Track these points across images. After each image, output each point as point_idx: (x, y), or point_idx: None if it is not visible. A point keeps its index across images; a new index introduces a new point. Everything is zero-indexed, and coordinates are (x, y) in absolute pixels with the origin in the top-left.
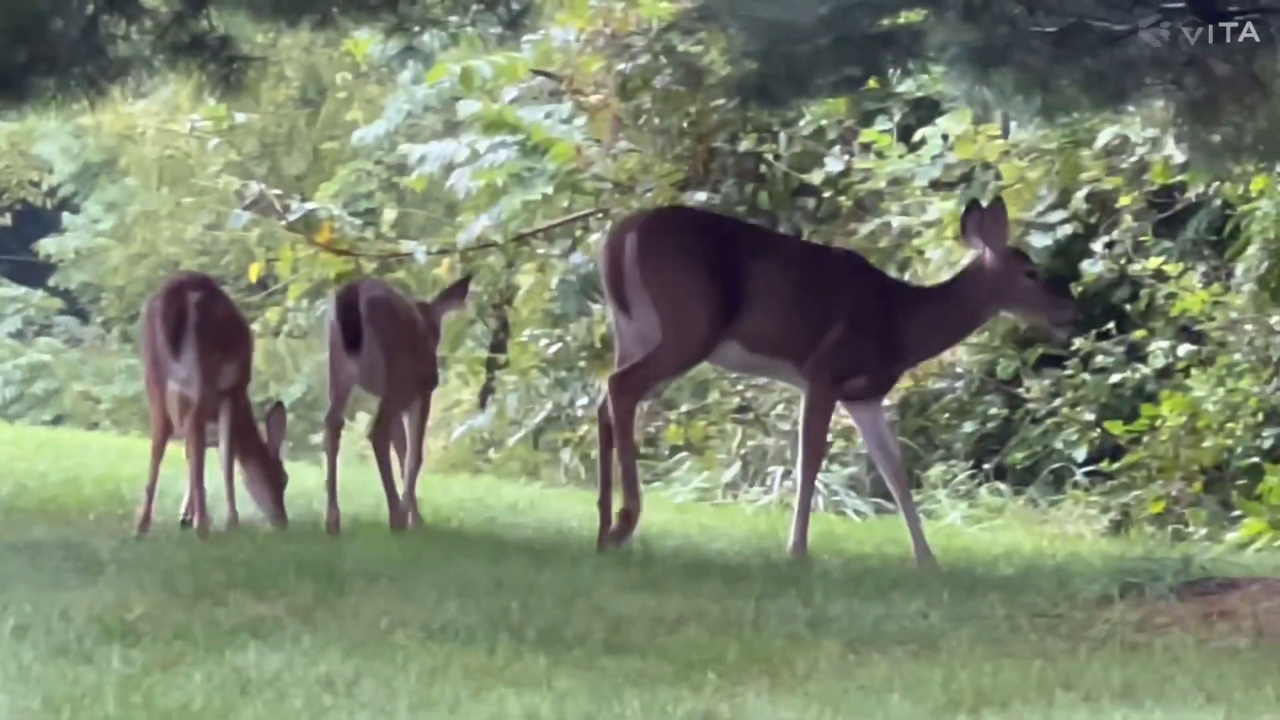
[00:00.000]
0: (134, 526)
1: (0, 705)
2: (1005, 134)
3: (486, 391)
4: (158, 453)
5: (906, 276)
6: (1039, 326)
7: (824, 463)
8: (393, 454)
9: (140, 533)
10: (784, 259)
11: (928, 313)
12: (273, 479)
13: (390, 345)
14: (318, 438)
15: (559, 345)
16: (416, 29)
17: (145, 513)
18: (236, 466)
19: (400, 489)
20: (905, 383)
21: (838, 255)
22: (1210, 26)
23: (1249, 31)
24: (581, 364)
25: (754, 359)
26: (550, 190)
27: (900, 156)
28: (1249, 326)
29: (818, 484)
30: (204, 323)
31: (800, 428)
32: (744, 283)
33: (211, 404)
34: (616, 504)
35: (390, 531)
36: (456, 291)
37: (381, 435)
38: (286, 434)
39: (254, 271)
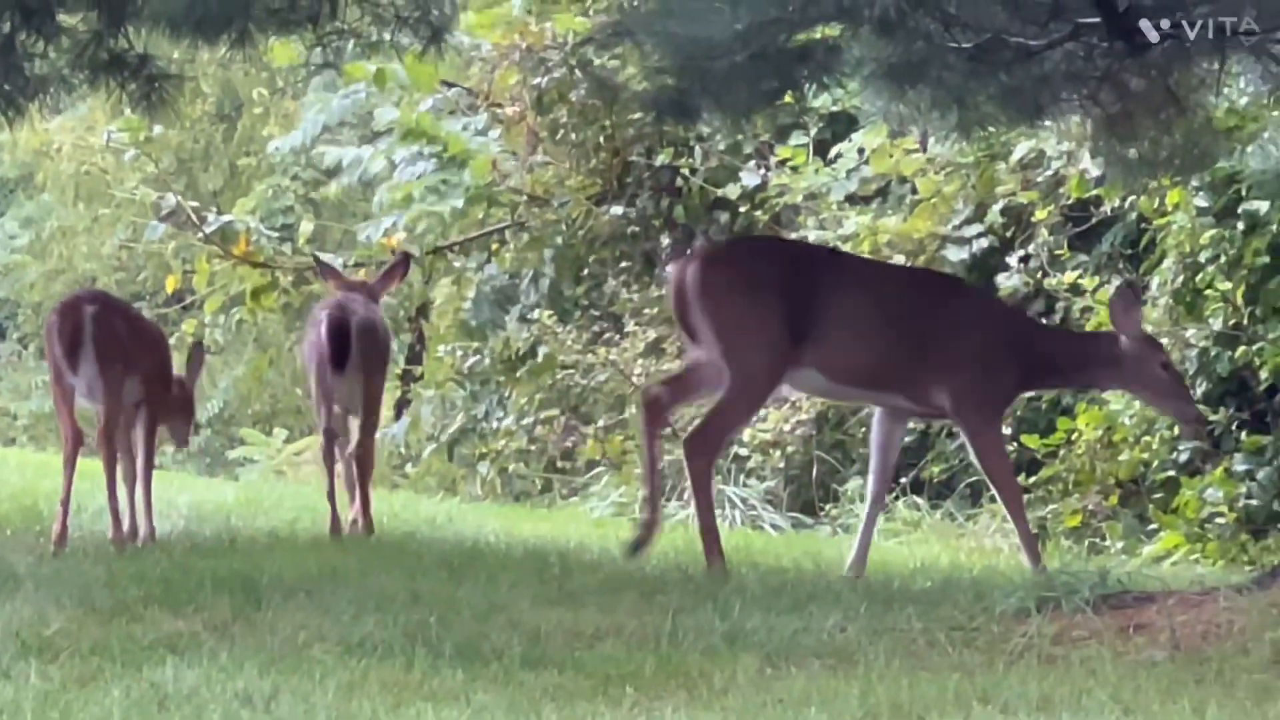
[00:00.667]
0: (50, 542)
1: None
2: (924, 149)
3: (402, 404)
4: (69, 465)
5: None
6: (1165, 415)
7: (743, 477)
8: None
9: (57, 548)
10: (872, 287)
11: (1053, 352)
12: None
13: (371, 368)
14: (234, 452)
15: (475, 358)
16: (336, 44)
17: (60, 529)
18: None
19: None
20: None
21: (945, 283)
22: (1125, 41)
23: (1164, 42)
24: (499, 377)
25: (840, 389)
26: (463, 203)
27: (816, 171)
28: (1164, 339)
29: (734, 498)
30: (101, 336)
31: (984, 473)
32: (820, 312)
33: (116, 417)
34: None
35: (306, 545)
36: (397, 270)
37: (368, 453)
38: (202, 373)
39: (170, 284)
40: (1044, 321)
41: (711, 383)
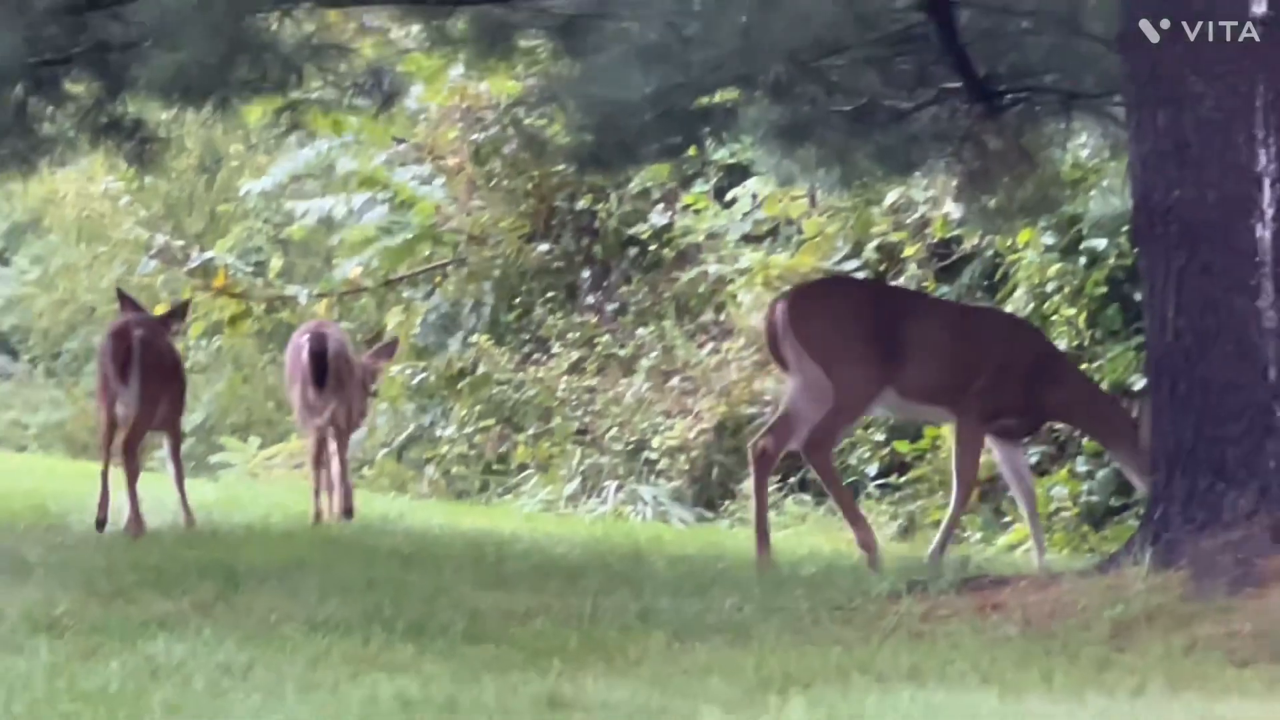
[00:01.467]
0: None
1: None
2: (812, 203)
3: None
4: (104, 450)
5: (722, 317)
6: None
7: (653, 478)
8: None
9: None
10: (936, 319)
11: (1070, 391)
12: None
13: (345, 385)
14: (215, 457)
15: (422, 375)
16: (300, 107)
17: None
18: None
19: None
20: (720, 409)
21: (992, 316)
22: (984, 104)
23: (1017, 105)
24: (443, 392)
25: (909, 405)
26: (412, 238)
27: (715, 214)
28: None
29: (646, 496)
30: (146, 356)
31: (955, 463)
32: (897, 339)
33: (145, 427)
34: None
35: (277, 537)
36: (386, 350)
37: (343, 449)
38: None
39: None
40: (1081, 369)
41: (803, 413)
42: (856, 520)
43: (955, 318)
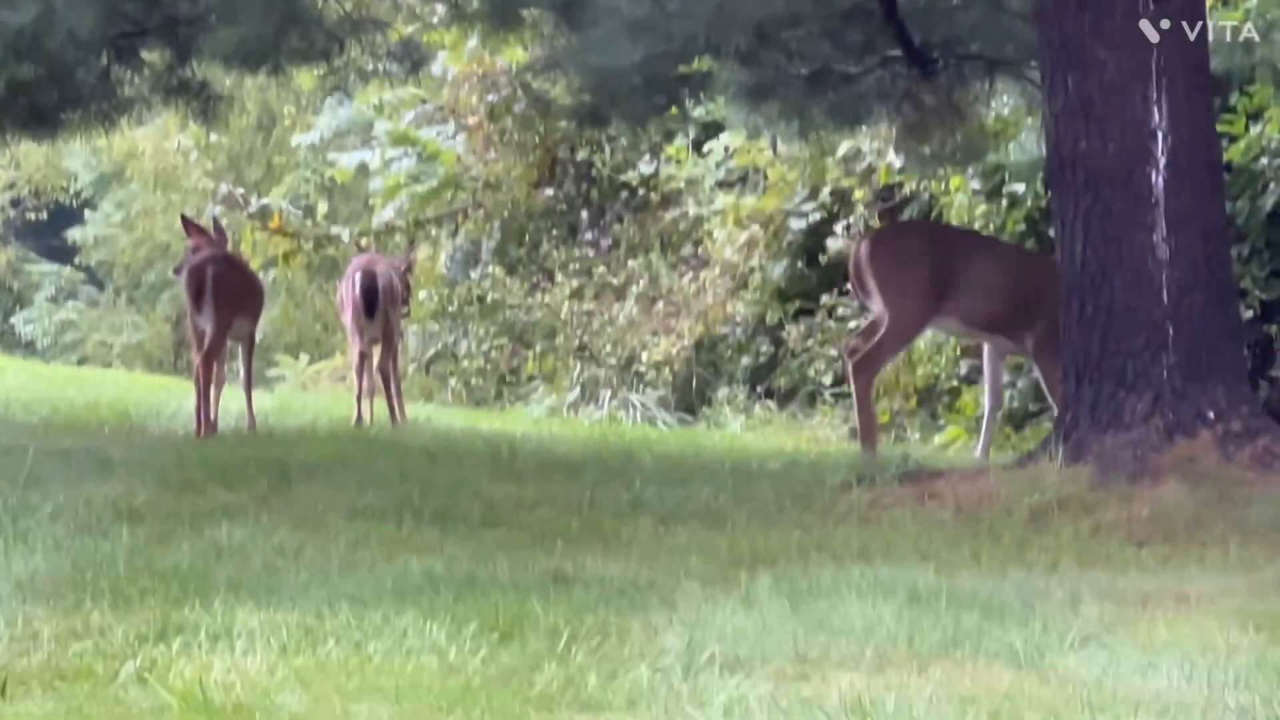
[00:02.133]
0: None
1: (42, 569)
2: (774, 151)
3: None
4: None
5: (700, 251)
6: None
7: (642, 387)
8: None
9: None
10: (995, 261)
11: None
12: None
13: (393, 312)
14: (271, 372)
15: (446, 301)
16: (343, 71)
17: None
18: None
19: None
20: (698, 328)
21: (1046, 262)
22: (920, 69)
23: (948, 68)
24: (464, 315)
25: (972, 331)
26: (437, 185)
27: (694, 163)
28: None
29: (636, 403)
30: (219, 287)
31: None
32: (956, 277)
33: (220, 345)
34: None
35: (323, 438)
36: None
37: (392, 369)
38: None
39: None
40: None
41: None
42: (868, 433)
43: (1012, 261)
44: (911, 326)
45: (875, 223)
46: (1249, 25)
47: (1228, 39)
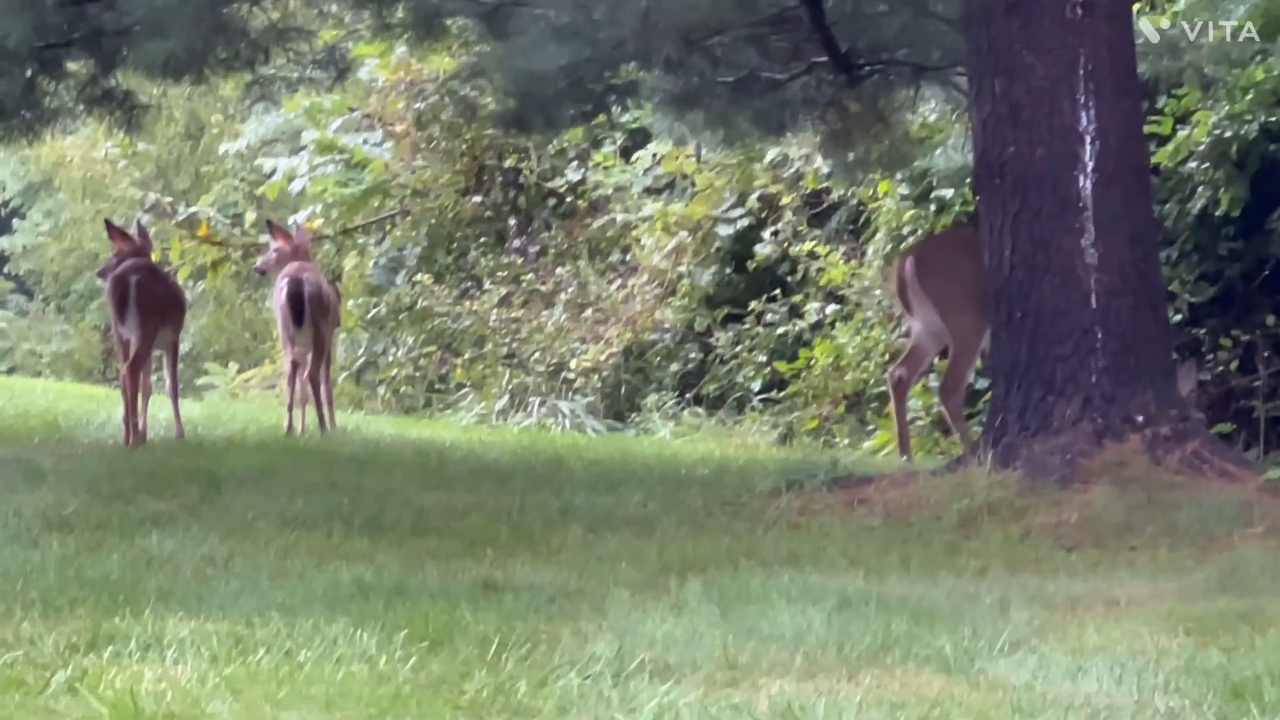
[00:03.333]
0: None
1: None
2: (698, 158)
3: None
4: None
5: (628, 258)
6: None
7: (571, 394)
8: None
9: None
10: None
11: None
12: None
13: (323, 321)
14: (200, 380)
15: (375, 309)
16: (268, 81)
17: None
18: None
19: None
20: (627, 335)
21: None
22: (846, 75)
23: (873, 75)
24: (391, 323)
25: None
26: (364, 193)
27: (621, 170)
28: (877, 291)
29: (564, 410)
30: (142, 298)
31: None
32: None
33: (146, 354)
34: None
35: (252, 447)
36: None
37: (322, 377)
38: None
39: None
40: None
41: (928, 349)
42: (965, 438)
43: None
44: (976, 338)
45: (802, 228)
46: (1177, 28)
47: (1155, 42)
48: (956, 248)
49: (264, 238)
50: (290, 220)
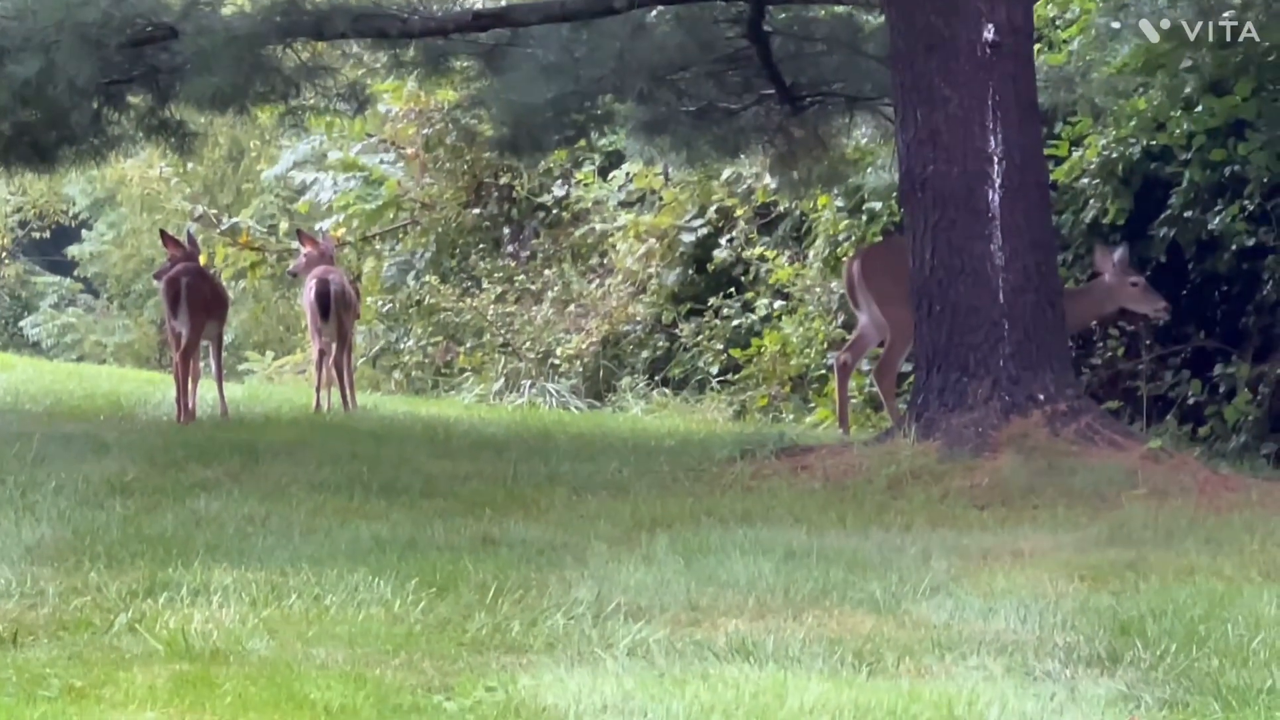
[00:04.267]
0: (126, 419)
1: (47, 536)
2: (666, 177)
3: None
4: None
5: (605, 261)
6: (1144, 315)
7: (557, 377)
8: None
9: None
10: None
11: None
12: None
13: (346, 315)
14: (241, 366)
15: (389, 305)
16: (300, 111)
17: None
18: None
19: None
20: (604, 327)
21: None
22: (790, 106)
23: (814, 105)
24: (404, 316)
25: None
26: (381, 205)
27: (600, 187)
28: (818, 289)
29: (552, 390)
30: (192, 295)
31: None
32: None
33: (196, 344)
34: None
35: (286, 423)
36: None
37: (345, 363)
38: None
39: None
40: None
41: (871, 338)
42: (894, 414)
43: None
44: (909, 330)
45: (753, 236)
46: (1071, 65)
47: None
48: (895, 253)
49: (295, 244)
50: (318, 227)
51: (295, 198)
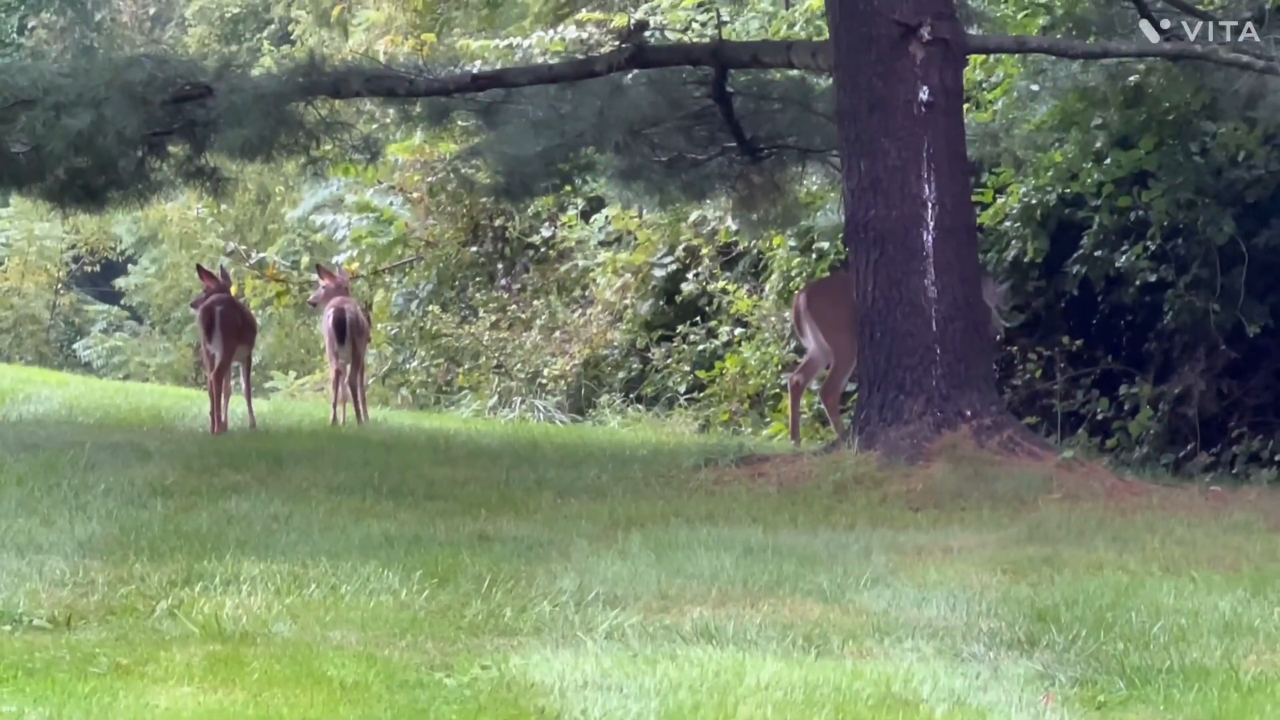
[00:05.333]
0: (177, 431)
1: (97, 532)
2: (640, 218)
3: None
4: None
5: (587, 293)
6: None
7: (544, 395)
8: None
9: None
10: None
11: None
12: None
13: (359, 340)
14: (268, 384)
15: (396, 330)
16: (320, 160)
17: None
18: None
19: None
20: (585, 351)
21: None
22: (750, 156)
23: (770, 155)
24: (410, 340)
25: None
26: (390, 242)
27: (582, 228)
28: (773, 318)
29: (539, 406)
30: (224, 321)
31: None
32: None
33: (228, 365)
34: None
35: (307, 434)
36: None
37: (358, 382)
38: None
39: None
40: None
41: (819, 361)
42: (839, 429)
43: None
44: (852, 355)
45: (717, 271)
46: (996, 122)
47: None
48: (837, 288)
49: (315, 277)
50: (334, 260)
51: (315, 235)
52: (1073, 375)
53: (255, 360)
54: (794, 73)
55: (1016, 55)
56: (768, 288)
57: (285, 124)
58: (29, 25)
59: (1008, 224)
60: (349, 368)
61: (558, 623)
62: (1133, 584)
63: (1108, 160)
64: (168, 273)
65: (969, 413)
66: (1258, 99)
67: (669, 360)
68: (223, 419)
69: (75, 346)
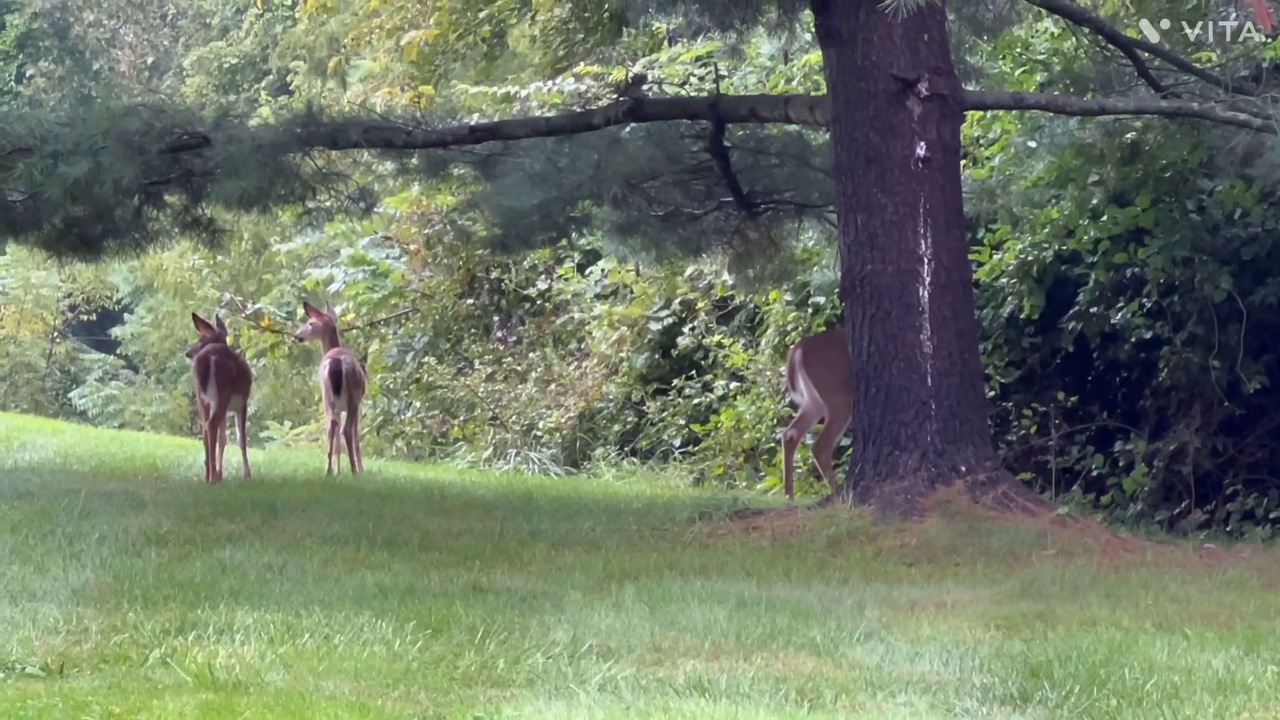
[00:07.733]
0: (159, 478)
1: (91, 580)
2: (636, 272)
3: None
4: (209, 436)
5: (582, 346)
6: None
7: (539, 447)
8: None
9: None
10: None
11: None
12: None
13: (354, 391)
14: (263, 434)
15: (391, 381)
16: (315, 211)
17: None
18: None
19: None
20: (581, 404)
21: None
22: (747, 211)
23: (768, 211)
24: (405, 392)
25: None
26: (386, 294)
27: (578, 281)
28: (768, 373)
29: (533, 459)
30: (220, 371)
31: None
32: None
33: (223, 415)
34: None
35: (301, 483)
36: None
37: (353, 433)
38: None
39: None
40: None
41: (813, 416)
42: (832, 483)
43: None
44: (846, 411)
45: (713, 325)
46: (992, 179)
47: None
48: (831, 344)
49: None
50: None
51: (310, 287)
52: (1068, 431)
53: (250, 410)
54: (791, 127)
55: (1014, 111)
56: (763, 342)
57: (282, 174)
58: (27, 73)
59: (1004, 280)
60: (344, 418)
61: (551, 674)
62: (1126, 641)
63: (1104, 217)
64: (163, 322)
65: (964, 468)
66: (1254, 157)
67: (664, 413)
68: (218, 468)
69: (71, 395)
